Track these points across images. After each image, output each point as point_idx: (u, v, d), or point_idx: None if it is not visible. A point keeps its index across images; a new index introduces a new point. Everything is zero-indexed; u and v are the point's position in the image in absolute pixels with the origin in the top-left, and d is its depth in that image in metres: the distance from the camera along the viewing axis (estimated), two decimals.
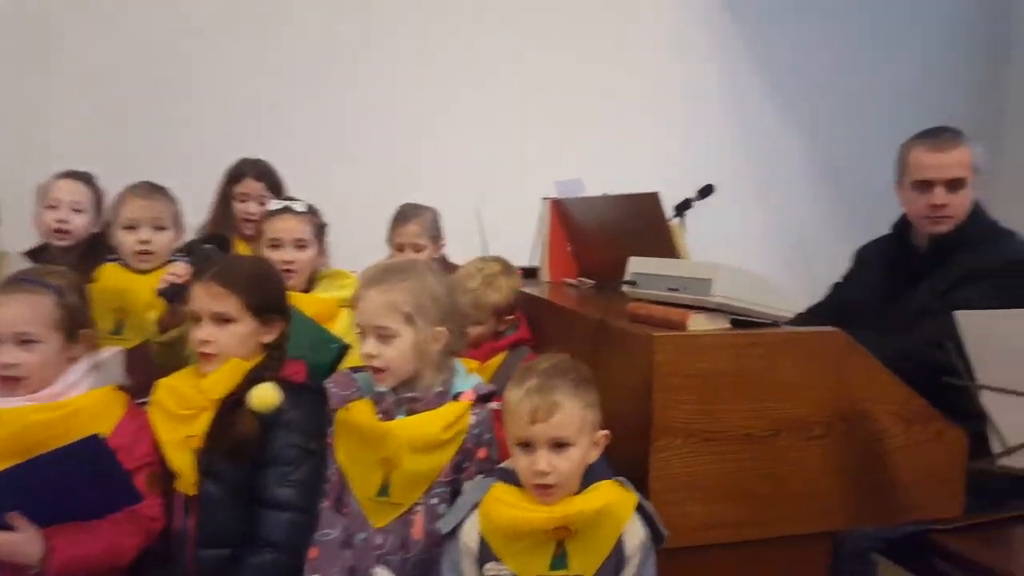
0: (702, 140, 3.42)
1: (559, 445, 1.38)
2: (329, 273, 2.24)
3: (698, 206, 2.44)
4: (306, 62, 3.28)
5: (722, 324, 1.59)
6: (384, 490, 1.54)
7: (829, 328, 1.62)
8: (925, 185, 2.08)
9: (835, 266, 2.52)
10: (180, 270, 1.83)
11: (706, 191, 2.41)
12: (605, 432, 1.44)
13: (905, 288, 2.13)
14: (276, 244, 2.10)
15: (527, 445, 1.39)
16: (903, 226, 2.24)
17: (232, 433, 1.56)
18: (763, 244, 3.47)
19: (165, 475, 1.59)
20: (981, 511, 1.93)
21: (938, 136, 2.09)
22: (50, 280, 1.59)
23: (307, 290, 2.15)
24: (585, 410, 1.41)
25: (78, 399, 1.54)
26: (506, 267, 2.10)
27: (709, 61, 3.43)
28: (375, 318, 1.56)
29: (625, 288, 1.72)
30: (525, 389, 1.40)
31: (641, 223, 1.96)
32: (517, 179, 3.11)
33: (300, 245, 2.11)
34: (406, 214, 2.61)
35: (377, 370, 1.57)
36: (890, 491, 1.66)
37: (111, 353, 1.70)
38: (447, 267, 2.62)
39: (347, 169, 3.23)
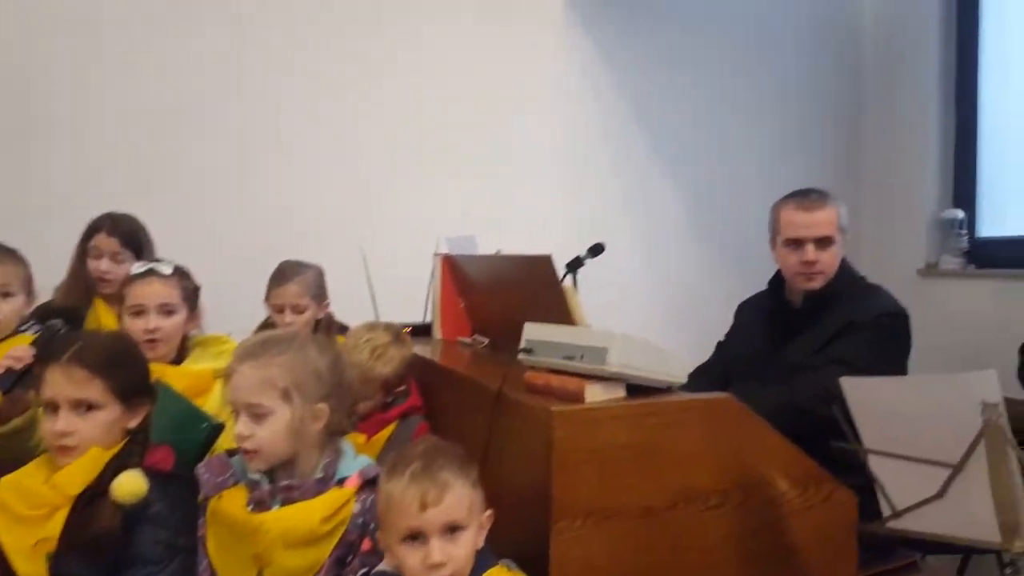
0: (590, 195, 3.45)
1: (452, 530, 1.30)
2: (203, 340, 2.07)
3: (595, 265, 2.44)
4: (175, 109, 3.06)
5: (618, 393, 1.56)
6: None
7: (721, 394, 1.63)
8: (796, 243, 2.19)
9: (721, 318, 2.59)
10: (20, 353, 1.63)
11: (596, 249, 2.42)
12: (489, 512, 1.38)
13: (783, 342, 2.23)
14: (139, 311, 1.91)
15: (416, 537, 1.29)
16: (778, 282, 2.34)
17: (91, 530, 1.40)
18: (652, 297, 3.53)
19: None
20: (872, 563, 2.00)
21: (807, 196, 2.22)
22: None
23: (177, 361, 1.98)
24: (473, 489, 1.34)
25: None
26: (396, 335, 2.00)
27: (592, 119, 3.48)
28: (248, 395, 1.44)
29: (521, 356, 1.67)
30: (409, 475, 1.30)
31: (535, 284, 1.93)
32: (406, 233, 3.03)
33: (167, 311, 1.93)
34: (285, 272, 2.45)
35: (249, 452, 1.44)
36: (787, 557, 1.66)
37: None
38: (335, 327, 2.51)
39: (220, 223, 3.02)
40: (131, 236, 2.42)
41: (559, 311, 1.82)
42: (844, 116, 3.93)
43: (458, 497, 1.30)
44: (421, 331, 2.54)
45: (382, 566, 1.38)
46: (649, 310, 3.49)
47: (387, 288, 2.56)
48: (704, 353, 2.55)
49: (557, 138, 3.40)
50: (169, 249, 2.34)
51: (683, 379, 1.64)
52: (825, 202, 2.21)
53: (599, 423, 1.48)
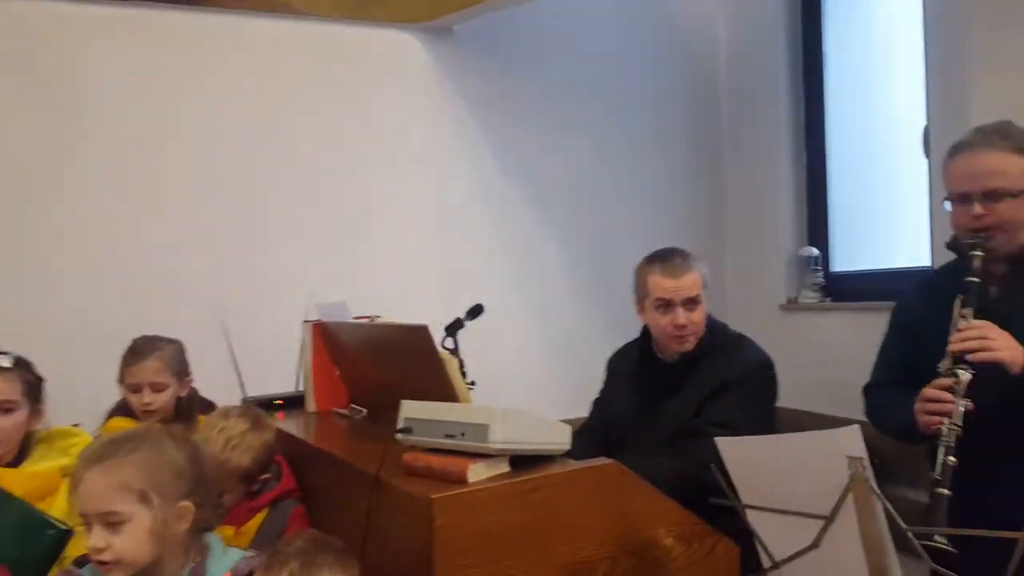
0: (467, 253, 3.41)
1: None
2: (48, 434, 1.89)
3: (476, 321, 2.41)
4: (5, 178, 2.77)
5: (502, 468, 1.52)
6: None
7: (606, 460, 1.62)
8: (667, 305, 2.23)
9: (602, 365, 2.61)
10: None
11: (475, 311, 2.39)
12: None
13: (658, 401, 2.27)
14: None
15: None
16: (647, 338, 2.38)
17: None
18: (536, 354, 3.52)
19: None
20: None
21: (671, 260, 2.27)
22: None
23: (18, 461, 1.80)
24: None
25: None
26: (254, 421, 1.87)
27: (466, 174, 3.45)
28: (99, 503, 1.31)
29: (399, 436, 1.60)
30: (287, 574, 1.22)
31: (412, 354, 1.87)
32: (273, 300, 2.88)
33: (5, 408, 1.77)
34: (142, 348, 2.25)
35: (106, 564, 1.31)
36: None
37: None
38: (198, 404, 2.35)
39: (63, 299, 2.73)
40: None
41: (438, 382, 1.77)
42: (706, 160, 4.11)
43: None
44: (294, 402, 2.42)
45: None
46: (534, 366, 3.49)
47: (255, 358, 2.43)
48: (587, 400, 2.55)
49: (429, 197, 3.35)
50: (2, 332, 2.13)
51: (567, 446, 1.62)
52: (689, 265, 2.27)
53: (483, 505, 1.43)
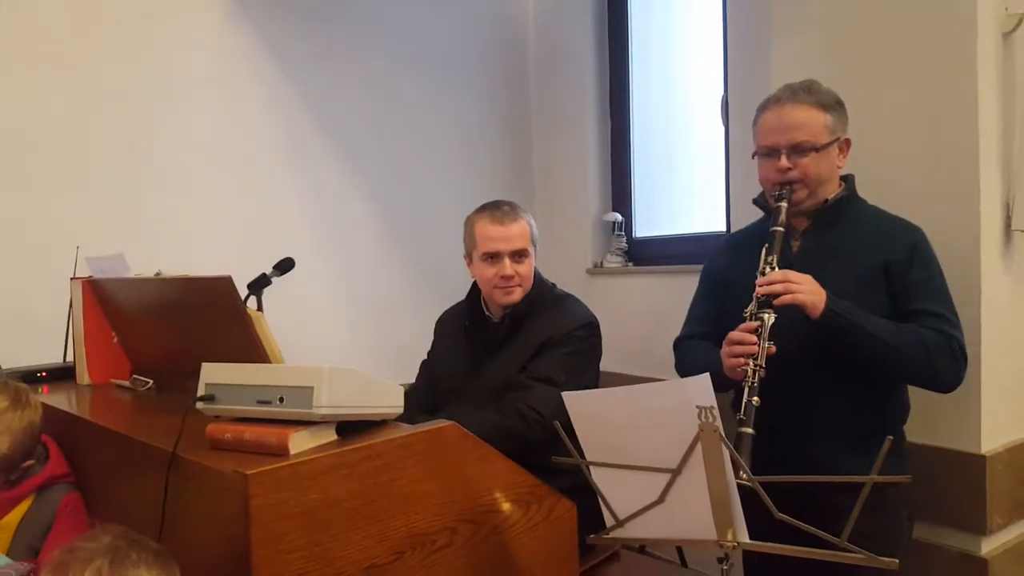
0: (264, 204, 3.05)
1: None
2: None
3: (278, 281, 2.14)
4: None
5: (328, 436, 1.33)
6: None
7: (443, 422, 1.48)
8: (494, 257, 2.16)
9: (421, 333, 2.47)
10: None
11: (285, 265, 2.13)
12: None
13: (485, 359, 2.22)
14: None
15: None
16: (475, 295, 2.31)
17: None
18: (346, 316, 3.27)
19: None
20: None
21: (499, 209, 2.23)
22: None
23: None
24: None
25: None
26: (15, 397, 1.55)
27: (266, 120, 3.07)
28: None
29: (200, 405, 1.35)
30: (92, 572, 1.01)
31: (211, 311, 1.60)
32: (36, 258, 2.39)
33: None
34: None
35: None
36: None
37: None
38: None
39: None
40: None
41: (246, 343, 1.52)
42: (515, 124, 4.06)
43: None
44: (62, 374, 2.03)
45: None
46: (343, 330, 3.24)
47: (15, 325, 2.00)
48: (406, 371, 2.41)
49: (219, 140, 2.93)
50: None
51: (400, 409, 1.47)
52: (517, 215, 2.23)
53: (309, 479, 1.24)
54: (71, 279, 1.98)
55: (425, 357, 2.44)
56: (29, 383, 1.91)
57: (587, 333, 2.21)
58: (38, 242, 2.44)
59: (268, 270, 2.07)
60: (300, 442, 1.28)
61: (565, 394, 1.44)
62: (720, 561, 1.44)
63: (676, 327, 2.16)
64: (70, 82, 2.60)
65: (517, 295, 2.20)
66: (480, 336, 2.27)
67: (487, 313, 2.29)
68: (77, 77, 2.61)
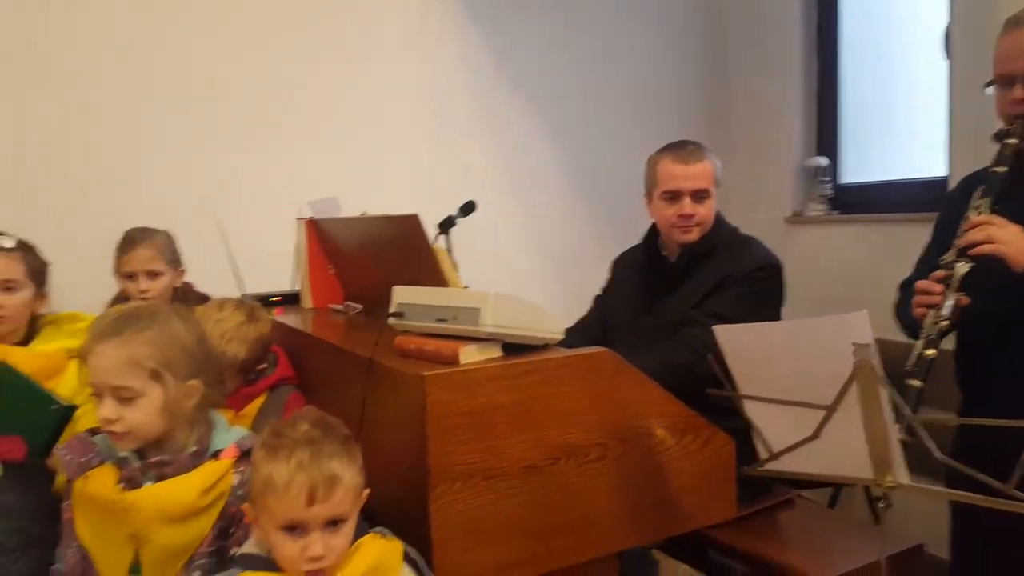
0: (458, 151, 3.30)
1: (335, 523, 1.21)
2: (55, 318, 1.91)
3: (462, 222, 2.35)
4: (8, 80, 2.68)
5: (494, 353, 1.50)
6: (136, 569, 1.33)
7: (599, 348, 1.59)
8: (674, 195, 2.18)
9: (599, 274, 2.57)
10: None
11: (468, 208, 2.33)
12: (367, 491, 1.30)
13: (660, 297, 2.23)
14: None
15: (296, 528, 1.20)
16: (653, 236, 2.33)
17: None
18: (529, 255, 3.47)
19: None
20: (749, 500, 2.06)
21: (683, 149, 2.22)
22: None
23: (25, 341, 1.82)
24: (359, 475, 1.26)
25: None
26: (250, 313, 1.85)
27: (454, 70, 3.30)
28: (112, 377, 1.32)
29: (392, 321, 1.58)
30: (295, 462, 1.19)
31: (403, 246, 1.83)
32: (268, 199, 2.82)
33: (9, 287, 1.78)
34: (134, 238, 2.27)
35: (117, 434, 1.33)
36: (668, 504, 1.67)
37: None
38: (193, 297, 2.34)
39: (60, 198, 2.68)
40: None
41: (430, 272, 1.73)
42: (712, 64, 3.96)
43: (346, 490, 1.22)
44: (291, 300, 2.40)
45: (249, 547, 1.29)
46: (526, 268, 3.44)
47: (253, 257, 2.39)
48: (582, 309, 2.53)
49: (422, 93, 3.22)
50: (7, 222, 2.10)
51: (560, 336, 1.60)
52: (702, 155, 2.21)
53: (475, 385, 1.42)
54: (297, 219, 2.32)
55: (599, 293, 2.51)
56: (267, 306, 2.30)
57: (767, 274, 2.16)
58: (271, 187, 2.88)
59: (454, 211, 2.27)
60: (469, 354, 1.46)
61: (717, 328, 1.49)
62: (877, 500, 1.43)
63: (885, 283, 2.03)
64: (288, 46, 2.99)
65: (695, 234, 2.20)
66: (656, 274, 2.28)
67: (664, 253, 2.31)
68: (293, 42, 3.00)
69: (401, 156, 3.18)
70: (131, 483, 1.34)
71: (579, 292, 2.58)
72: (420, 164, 3.22)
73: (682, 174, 2.17)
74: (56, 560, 1.37)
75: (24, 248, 1.85)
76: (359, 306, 2.17)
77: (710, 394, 1.54)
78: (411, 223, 1.72)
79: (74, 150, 2.72)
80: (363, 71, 3.13)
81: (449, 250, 2.41)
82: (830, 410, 1.39)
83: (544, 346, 1.57)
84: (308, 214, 2.28)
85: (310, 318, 2.19)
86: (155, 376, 1.34)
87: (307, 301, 2.32)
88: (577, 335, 2.20)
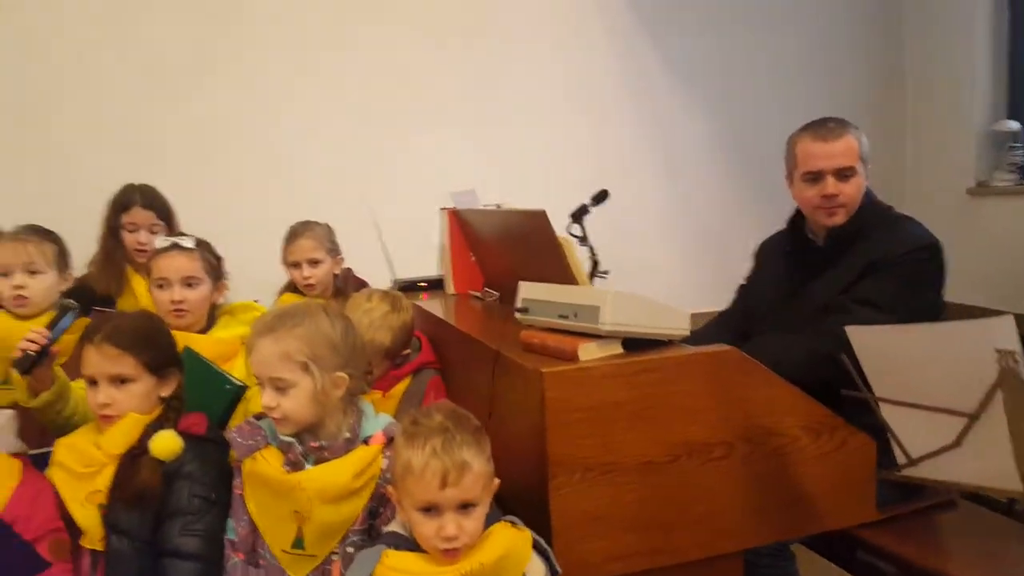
0: (604, 133, 3.29)
1: (467, 506, 1.32)
2: (232, 307, 2.11)
3: (614, 206, 2.35)
4: (176, 80, 3.01)
5: (614, 350, 1.52)
6: (299, 542, 1.48)
7: (723, 347, 1.57)
8: (815, 176, 2.05)
9: (747, 255, 2.48)
10: (34, 336, 1.68)
11: (601, 196, 2.34)
12: (497, 481, 1.38)
13: (805, 284, 2.11)
14: (163, 283, 1.97)
15: (431, 509, 1.31)
16: (798, 220, 2.21)
17: (135, 484, 1.53)
18: (676, 239, 3.41)
19: (72, 535, 1.56)
20: (901, 500, 1.94)
21: (823, 126, 2.07)
22: None
23: (207, 329, 2.03)
24: (488, 464, 1.35)
25: None
26: (394, 302, 1.99)
27: (602, 45, 3.28)
28: (269, 369, 1.48)
29: (517, 315, 1.64)
30: (430, 450, 1.31)
31: (533, 239, 1.88)
32: (413, 187, 2.98)
33: (190, 283, 1.98)
34: (297, 230, 2.51)
35: (277, 420, 1.51)
36: (800, 504, 1.63)
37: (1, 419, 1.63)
38: (352, 283, 2.53)
39: (231, 194, 3.00)
40: (164, 207, 2.45)
41: (557, 266, 1.77)
42: (882, 24, 3.64)
43: (475, 476, 1.31)
44: (436, 284, 2.54)
45: (394, 526, 1.42)
46: (672, 253, 3.39)
47: (403, 243, 2.55)
48: (731, 291, 2.45)
49: (568, 77, 3.23)
50: (184, 220, 2.38)
51: (683, 332, 1.59)
52: (844, 131, 2.05)
53: (592, 382, 1.46)
54: (440, 209, 2.44)
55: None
56: (414, 290, 2.45)
57: (924, 256, 1.97)
58: (419, 174, 3.04)
59: (588, 200, 2.29)
60: (588, 352, 1.49)
61: (850, 329, 1.42)
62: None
63: None
64: (426, 31, 3.10)
65: (840, 216, 2.05)
66: (801, 260, 2.15)
67: (810, 237, 2.18)
68: (431, 25, 3.10)
69: (545, 139, 3.22)
70: (295, 466, 1.50)
71: (725, 276, 2.51)
72: (559, 149, 3.24)
73: (822, 152, 2.03)
74: (227, 530, 1.56)
75: (202, 246, 2.06)
76: (496, 293, 2.26)
77: (845, 395, 1.47)
78: (539, 218, 1.77)
79: (244, 154, 3.01)
80: (514, 63, 3.20)
81: (584, 237, 2.43)
82: (972, 418, 1.31)
83: (669, 342, 1.57)
84: (450, 204, 2.39)
85: (451, 304, 2.31)
86: (305, 368, 1.48)
87: (450, 287, 2.44)
88: (720, 327, 2.16)
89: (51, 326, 1.72)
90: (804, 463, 1.62)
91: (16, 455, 1.60)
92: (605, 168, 3.17)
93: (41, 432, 1.75)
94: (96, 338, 1.57)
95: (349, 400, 1.55)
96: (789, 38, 3.52)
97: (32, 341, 1.68)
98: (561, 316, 1.55)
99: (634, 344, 1.54)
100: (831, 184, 2.03)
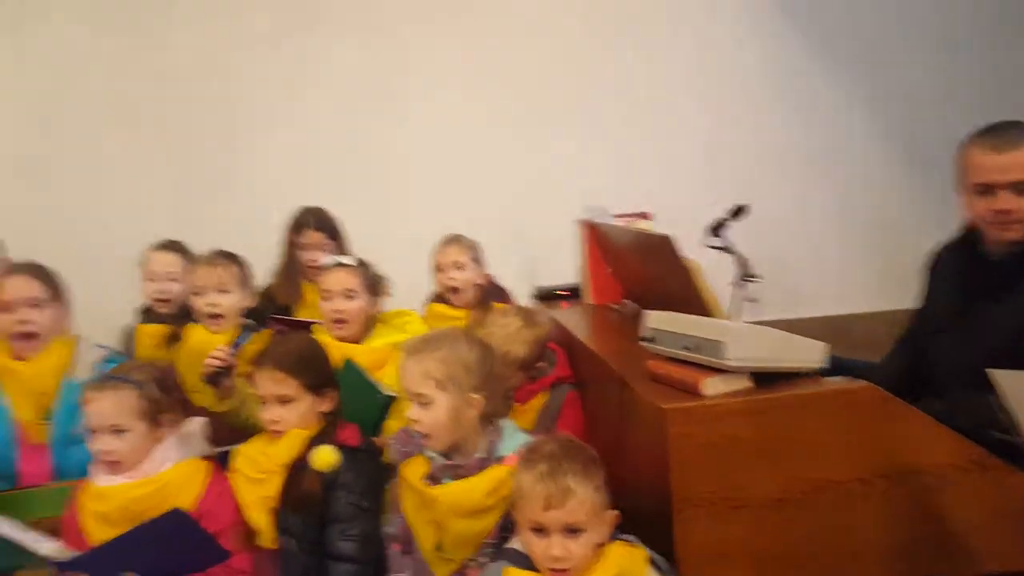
0: (758, 130, 3.16)
1: (573, 531, 1.38)
2: (387, 315, 2.30)
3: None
4: (338, 108, 3.26)
5: (742, 383, 1.50)
6: (439, 546, 1.63)
7: (858, 383, 1.50)
8: (987, 188, 1.86)
9: (919, 252, 2.29)
10: (219, 354, 1.94)
11: (739, 211, 2.27)
12: (615, 512, 1.42)
13: (979, 307, 1.91)
14: (327, 296, 2.20)
15: (540, 530, 1.40)
16: (971, 231, 2.01)
17: (299, 493, 1.72)
18: (839, 237, 3.21)
19: (250, 532, 1.76)
20: None
21: (998, 135, 1.86)
22: (133, 376, 1.75)
23: (364, 337, 2.22)
24: (596, 493, 1.40)
25: (166, 474, 1.72)
26: (528, 317, 2.08)
27: (755, 37, 3.14)
28: (412, 385, 1.64)
29: (643, 344, 1.65)
30: (536, 474, 1.39)
31: (660, 261, 1.88)
32: (552, 193, 3.04)
33: (349, 295, 2.19)
34: (445, 240, 2.70)
35: (421, 434, 1.65)
36: (952, 546, 1.53)
37: (195, 425, 1.85)
38: (494, 292, 2.63)
39: (393, 209, 3.22)
40: (333, 228, 2.75)
41: (684, 290, 1.77)
42: None
43: (579, 502, 1.37)
44: (576, 293, 2.59)
45: (515, 543, 1.50)
46: (834, 252, 3.20)
47: (541, 255, 2.62)
48: (901, 290, 2.31)
49: (693, 73, 3.13)
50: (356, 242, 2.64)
51: (817, 364, 1.54)
52: (1021, 140, 1.84)
53: (716, 419, 1.45)
54: (577, 220, 2.47)
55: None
56: (554, 299, 2.52)
57: None
58: (553, 181, 3.09)
59: (725, 213, 2.23)
60: (713, 386, 1.48)
61: (995, 372, 1.32)
62: None
63: None
64: (545, 34, 3.13)
65: (1017, 232, 1.86)
66: (976, 279, 1.95)
67: (985, 251, 1.97)
68: (556, 29, 3.10)
69: (689, 133, 3.15)
70: (434, 480, 1.64)
71: (895, 275, 2.35)
72: (710, 149, 3.16)
73: (994, 165, 1.83)
74: (386, 524, 1.74)
75: (362, 264, 2.27)
76: (635, 305, 2.27)
77: (999, 438, 1.38)
78: (665, 243, 1.76)
79: (402, 178, 3.22)
80: (645, 53, 3.16)
81: (727, 248, 2.38)
82: None
83: (804, 374, 1.53)
84: (585, 216, 2.42)
85: (588, 317, 2.35)
86: (441, 387, 1.61)
87: (588, 297, 2.48)
88: (894, 353, 2.06)
89: (232, 344, 1.95)
90: (955, 502, 1.52)
91: (206, 457, 1.82)
92: (758, 166, 3.05)
93: (228, 433, 1.98)
94: (265, 363, 1.78)
95: (487, 421, 1.66)
96: (977, 8, 3.19)
97: (216, 358, 1.92)
98: (686, 348, 1.55)
99: (765, 377, 1.51)
100: (1004, 198, 1.83)
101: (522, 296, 2.76)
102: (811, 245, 3.15)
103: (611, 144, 3.18)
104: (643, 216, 2.56)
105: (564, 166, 3.17)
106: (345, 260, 2.26)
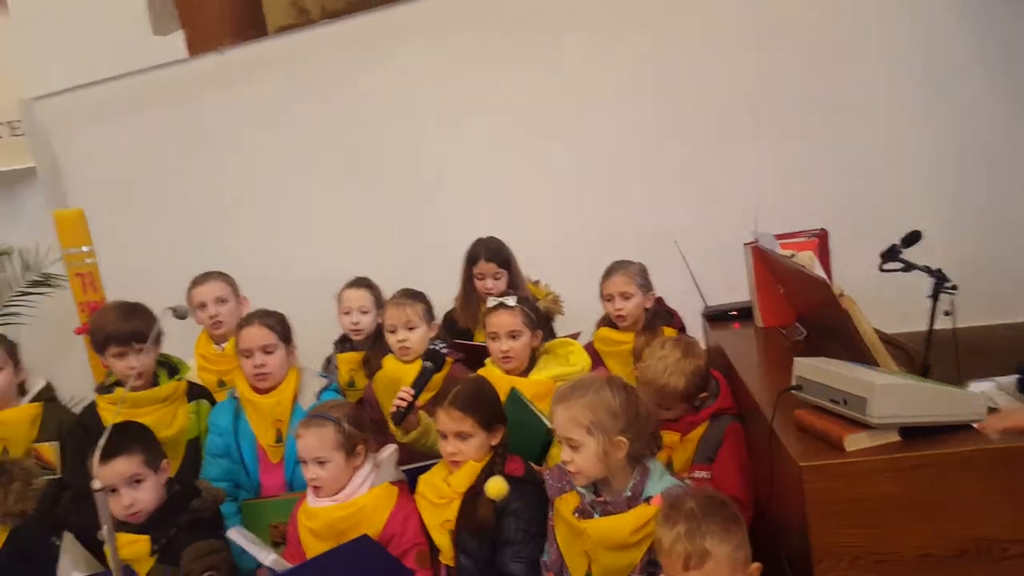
0: (958, 124, 2.90)
1: None
2: (550, 346, 2.46)
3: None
4: (514, 145, 3.51)
5: (888, 438, 1.50)
6: (589, 574, 1.78)
7: (1016, 442, 1.43)
8: None
9: None
10: (404, 395, 2.20)
11: (911, 238, 2.15)
12: (758, 565, 1.48)
13: None
14: (494, 336, 2.41)
15: None
16: None
17: (475, 518, 1.94)
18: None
19: (431, 549, 2.01)
20: None
21: None
22: (332, 413, 2.06)
23: (529, 370, 2.41)
24: (734, 552, 1.45)
25: (362, 498, 2.03)
26: (686, 349, 2.12)
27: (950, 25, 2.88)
28: (563, 430, 1.79)
29: (793, 391, 1.68)
30: (675, 533, 1.47)
31: (823, 300, 1.86)
32: (721, 208, 3.02)
33: (513, 335, 2.37)
34: (611, 268, 2.76)
35: (572, 472, 1.80)
36: None
37: (387, 453, 2.15)
38: (662, 315, 2.70)
39: (561, 242, 3.40)
40: (504, 258, 2.99)
41: (845, 328, 1.74)
42: None
43: (717, 564, 1.44)
44: (746, 314, 2.58)
45: None
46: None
47: (710, 273, 2.64)
48: None
49: (902, 67, 2.94)
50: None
51: (978, 417, 1.49)
52: None
53: (857, 475, 1.46)
54: (744, 244, 2.47)
55: None
56: (725, 319, 2.55)
57: None
58: (722, 196, 3.09)
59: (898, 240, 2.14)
60: (857, 442, 1.49)
61: None
62: None
63: None
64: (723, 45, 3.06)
65: None
66: None
67: None
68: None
69: (883, 146, 3.00)
70: (584, 514, 1.79)
71: None
72: (906, 150, 2.96)
73: None
74: (544, 552, 1.92)
75: (523, 303, 2.43)
76: (804, 331, 2.24)
77: None
78: (822, 287, 1.76)
79: (569, 206, 3.47)
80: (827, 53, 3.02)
81: (908, 266, 2.24)
82: None
83: (957, 427, 1.49)
84: (752, 239, 2.42)
85: (756, 341, 2.34)
86: (589, 431, 1.74)
87: (758, 319, 2.47)
88: None
89: (415, 384, 2.23)
90: None
91: (395, 483, 2.09)
92: (969, 168, 2.83)
93: (410, 458, 2.26)
94: (445, 403, 2.01)
95: (634, 461, 1.78)
96: None
97: (402, 399, 2.21)
98: (832, 401, 1.56)
99: (916, 431, 1.49)
100: None
101: (693, 315, 2.79)
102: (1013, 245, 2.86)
103: (788, 153, 3.09)
104: (820, 235, 2.49)
105: (739, 179, 3.14)
106: (508, 302, 2.42)
